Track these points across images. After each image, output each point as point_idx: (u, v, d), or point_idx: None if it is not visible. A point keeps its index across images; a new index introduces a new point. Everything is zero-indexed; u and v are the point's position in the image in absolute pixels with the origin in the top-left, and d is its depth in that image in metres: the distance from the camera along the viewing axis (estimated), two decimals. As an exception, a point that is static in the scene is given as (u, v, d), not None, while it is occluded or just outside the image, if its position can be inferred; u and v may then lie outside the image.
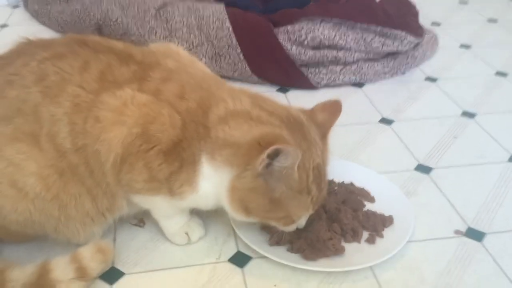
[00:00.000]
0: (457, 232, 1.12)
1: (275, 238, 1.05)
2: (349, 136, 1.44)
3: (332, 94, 1.64)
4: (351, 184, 1.21)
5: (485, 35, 2.09)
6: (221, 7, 1.75)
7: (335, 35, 1.66)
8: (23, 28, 2.07)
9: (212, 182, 0.94)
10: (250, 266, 1.04)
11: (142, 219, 1.14)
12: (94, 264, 0.98)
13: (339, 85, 1.70)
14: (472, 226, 1.14)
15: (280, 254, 1.03)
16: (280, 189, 0.91)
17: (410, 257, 1.06)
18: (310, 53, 1.66)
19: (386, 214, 1.12)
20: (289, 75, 1.68)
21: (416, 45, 1.82)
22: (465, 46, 1.99)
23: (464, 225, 1.14)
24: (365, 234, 1.09)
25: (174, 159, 0.93)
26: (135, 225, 1.14)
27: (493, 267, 1.04)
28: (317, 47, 1.68)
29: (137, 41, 1.75)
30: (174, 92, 0.95)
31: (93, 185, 0.97)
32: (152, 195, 0.98)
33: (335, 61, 1.69)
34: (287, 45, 1.66)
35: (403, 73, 1.78)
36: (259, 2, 2.00)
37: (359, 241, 1.07)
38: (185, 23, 1.73)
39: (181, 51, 1.14)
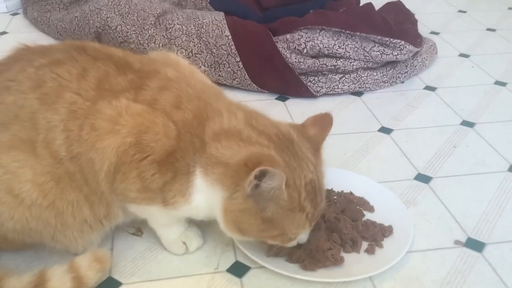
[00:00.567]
0: (457, 242, 1.12)
1: (274, 249, 1.04)
2: (348, 145, 1.43)
3: (331, 103, 1.65)
4: (350, 193, 1.21)
5: (484, 44, 2.09)
6: (220, 15, 1.75)
7: (334, 44, 1.66)
8: (23, 35, 2.08)
9: (204, 195, 0.94)
10: (248, 276, 1.03)
11: (139, 228, 1.14)
12: (91, 273, 0.97)
13: (338, 94, 1.70)
14: (472, 236, 1.13)
15: (279, 264, 1.02)
16: (271, 208, 0.90)
17: (409, 268, 1.05)
18: (310, 61, 1.66)
19: (386, 224, 1.12)
20: (288, 83, 1.68)
21: (415, 54, 1.82)
22: (464, 55, 1.99)
23: (464, 235, 1.14)
24: (365, 244, 1.08)
25: (168, 169, 0.92)
26: (133, 234, 1.13)
27: (493, 278, 1.03)
28: (317, 55, 1.68)
29: (137, 49, 1.75)
30: (170, 101, 0.94)
31: (90, 192, 0.97)
32: (147, 204, 0.97)
33: (334, 70, 1.69)
34: (286, 53, 1.66)
35: (402, 82, 1.79)
36: (258, 11, 2.01)
37: (358, 251, 1.07)
38: (184, 31, 1.73)
39: (181, 61, 1.14)
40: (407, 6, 2.11)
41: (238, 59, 1.66)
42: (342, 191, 1.21)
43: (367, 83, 1.72)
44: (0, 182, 0.92)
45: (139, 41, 1.76)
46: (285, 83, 1.68)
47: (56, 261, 1.01)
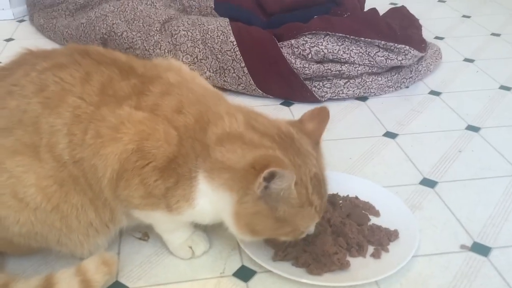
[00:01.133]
0: (463, 246, 1.12)
1: (280, 254, 1.04)
2: (354, 150, 1.44)
3: (336, 108, 1.66)
4: (356, 198, 1.21)
5: (488, 49, 2.09)
6: (225, 21, 1.76)
7: (339, 49, 1.67)
8: (29, 41, 2.09)
9: (210, 200, 0.94)
10: (254, 280, 1.04)
11: (146, 232, 1.14)
12: (98, 276, 0.97)
13: (343, 99, 1.71)
14: (478, 240, 1.13)
15: (285, 269, 1.02)
16: (282, 208, 0.91)
17: (415, 272, 1.05)
18: (314, 67, 1.66)
19: (391, 228, 1.12)
20: (293, 88, 1.68)
21: (420, 59, 1.82)
22: (469, 60, 1.99)
23: (470, 240, 1.13)
24: (370, 249, 1.08)
25: (170, 175, 0.93)
26: (139, 238, 1.14)
27: (499, 282, 1.03)
28: (321, 61, 1.68)
29: (142, 55, 1.76)
30: (172, 106, 0.95)
31: (94, 197, 0.97)
32: (151, 210, 0.98)
33: (339, 75, 1.69)
34: (291, 59, 1.67)
35: (407, 86, 1.79)
36: (263, 16, 2.02)
37: (364, 256, 1.07)
38: (189, 37, 1.74)
39: (183, 66, 1.15)
40: (412, 11, 2.11)
41: (243, 64, 1.67)
42: (347, 195, 1.21)
43: (371, 88, 1.72)
44: (5, 187, 0.93)
45: (145, 47, 1.77)
46: (290, 88, 1.68)
47: (63, 266, 1.01)
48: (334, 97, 1.69)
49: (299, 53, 1.67)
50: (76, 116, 0.93)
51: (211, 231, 1.12)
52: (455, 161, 1.40)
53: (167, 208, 0.96)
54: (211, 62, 1.71)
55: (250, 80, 1.67)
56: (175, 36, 1.75)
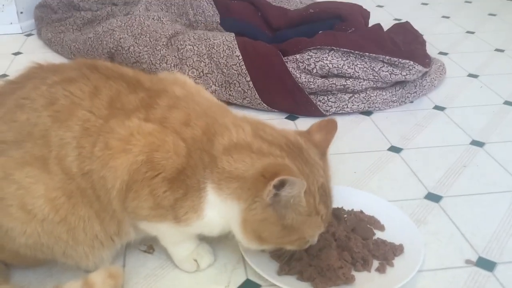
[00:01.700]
0: (468, 261, 1.11)
1: (285, 268, 1.04)
2: (358, 164, 1.44)
3: (341, 122, 1.64)
4: (361, 212, 1.21)
5: (492, 64, 2.10)
6: (231, 36, 1.78)
7: (343, 64, 1.68)
8: (36, 55, 2.11)
9: (218, 211, 0.95)
10: (259, 294, 1.04)
11: (151, 245, 1.14)
12: (105, 289, 0.98)
13: (348, 113, 1.71)
14: (483, 255, 1.13)
15: (290, 283, 1.02)
16: (290, 216, 0.92)
17: (420, 287, 1.05)
18: (319, 81, 1.68)
19: (396, 242, 1.12)
20: (298, 103, 1.69)
21: (424, 74, 1.83)
22: (473, 75, 2.00)
23: (475, 255, 1.13)
24: (375, 263, 1.08)
25: (179, 186, 0.94)
26: (144, 251, 1.14)
27: (505, 298, 1.03)
28: (326, 75, 1.70)
29: (149, 69, 1.77)
30: (180, 119, 0.96)
31: (101, 209, 0.98)
32: (158, 222, 0.98)
33: (344, 90, 1.70)
34: (296, 73, 1.68)
35: (411, 101, 1.80)
36: (268, 32, 2.04)
37: (369, 270, 1.07)
38: (195, 51, 1.75)
39: (188, 80, 1.16)
40: (416, 27, 2.13)
41: (248, 78, 1.68)
42: (352, 209, 1.21)
43: (376, 102, 1.73)
44: (13, 198, 0.93)
45: (151, 61, 1.78)
46: (295, 102, 1.69)
47: (68, 278, 1.02)
48: (338, 112, 1.70)
49: (304, 68, 1.68)
50: (85, 129, 0.94)
51: (216, 244, 1.12)
52: (459, 176, 1.40)
53: (175, 219, 0.96)
54: (217, 76, 1.72)
55: (255, 94, 1.68)
56: (181, 51, 1.77)
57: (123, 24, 1.91)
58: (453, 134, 1.61)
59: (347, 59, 1.69)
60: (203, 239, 1.11)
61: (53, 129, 0.95)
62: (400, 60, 1.71)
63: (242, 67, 1.68)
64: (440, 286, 1.05)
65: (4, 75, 1.94)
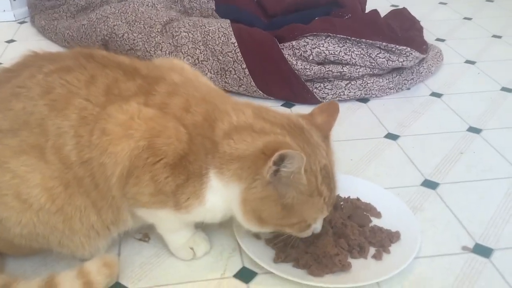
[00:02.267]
0: (465, 248, 1.11)
1: (281, 256, 1.04)
2: (355, 151, 1.43)
3: (338, 109, 1.65)
4: (357, 199, 1.21)
5: (490, 51, 2.09)
6: (226, 23, 1.76)
7: (340, 51, 1.67)
8: (30, 43, 2.10)
9: (220, 196, 0.95)
10: (255, 281, 1.03)
11: (146, 234, 1.14)
12: (100, 278, 0.97)
13: (344, 100, 1.70)
14: (480, 242, 1.13)
15: (286, 270, 1.02)
16: (290, 194, 0.91)
17: (417, 274, 1.05)
18: (315, 68, 1.66)
19: (393, 229, 1.12)
20: (294, 90, 1.68)
21: (421, 60, 1.82)
22: (470, 62, 1.99)
23: (472, 241, 1.13)
24: (372, 250, 1.08)
25: (181, 172, 0.93)
26: (140, 240, 1.13)
27: (501, 284, 1.03)
28: (322, 62, 1.68)
29: (143, 57, 1.76)
30: (179, 105, 0.96)
31: (98, 198, 0.97)
32: (158, 208, 0.98)
33: (340, 76, 1.69)
34: (292, 60, 1.67)
35: (408, 88, 1.79)
36: (264, 18, 2.02)
37: (365, 257, 1.07)
38: (190, 38, 1.74)
39: (185, 66, 1.15)
40: (413, 13, 2.11)
41: (244, 66, 1.67)
42: (349, 197, 1.21)
43: (373, 89, 1.72)
44: (8, 187, 0.93)
45: (146, 48, 1.77)
46: (291, 89, 1.68)
47: (63, 267, 1.02)
48: (335, 99, 1.69)
49: (300, 55, 1.67)
50: (83, 118, 0.93)
51: (212, 232, 1.12)
52: (456, 162, 1.40)
53: (175, 206, 0.96)
54: (212, 63, 1.71)
55: (251, 81, 1.67)
56: (176, 38, 1.75)
57: (117, 11, 1.89)
58: (450, 121, 1.60)
59: (344, 46, 1.68)
60: (199, 227, 1.10)
61: (49, 118, 0.94)
62: (397, 46, 1.70)
63: (238, 54, 1.67)
64: (436, 272, 1.05)
65: (-2, 63, 1.92)
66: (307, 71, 1.66)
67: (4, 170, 0.93)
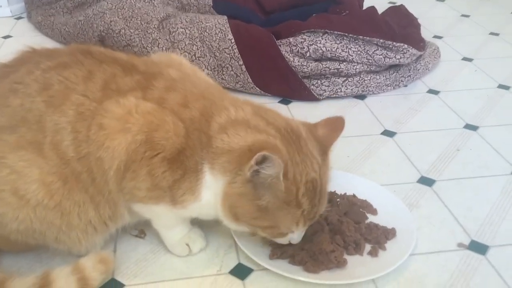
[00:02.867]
0: (460, 245, 1.11)
1: (277, 252, 1.04)
2: (351, 148, 1.43)
3: (334, 106, 1.65)
4: (353, 196, 1.21)
5: (487, 48, 2.09)
6: (223, 19, 1.75)
7: (337, 47, 1.66)
8: (27, 39, 2.09)
9: (213, 192, 0.94)
10: (251, 278, 1.03)
11: (142, 230, 1.14)
12: (95, 274, 0.97)
13: (341, 97, 1.70)
14: (475, 239, 1.13)
15: (281, 266, 1.02)
16: (267, 197, 0.90)
17: (412, 270, 1.05)
18: (312, 65, 1.66)
19: (389, 226, 1.12)
20: (291, 86, 1.68)
21: (418, 57, 1.82)
22: (467, 59, 1.99)
23: (467, 238, 1.13)
24: (368, 247, 1.08)
25: (178, 167, 0.93)
26: (136, 236, 1.13)
27: (496, 281, 1.03)
28: (319, 59, 1.68)
29: (140, 53, 1.75)
30: (177, 101, 0.95)
31: (96, 193, 0.97)
32: (154, 204, 0.97)
33: (337, 73, 1.69)
34: (289, 57, 1.66)
35: (405, 85, 1.79)
36: (261, 14, 2.01)
37: (361, 254, 1.07)
38: (187, 34, 1.73)
39: (183, 61, 1.15)
40: (410, 10, 2.11)
41: (241, 62, 1.66)
42: (345, 193, 1.21)
43: (370, 86, 1.72)
44: (5, 183, 0.92)
45: (143, 44, 1.76)
46: (288, 86, 1.68)
47: (58, 263, 1.02)
48: (332, 95, 1.69)
49: (298, 51, 1.67)
50: (80, 114, 0.93)
51: (208, 228, 1.12)
52: (453, 159, 1.40)
53: (171, 201, 0.96)
54: (209, 60, 1.71)
55: (248, 78, 1.67)
56: (173, 34, 1.75)
57: (113, 7, 1.88)
58: (447, 118, 1.60)
59: (341, 42, 1.68)
60: (195, 223, 1.10)
61: (47, 114, 0.94)
62: (395, 43, 1.69)
63: (235, 50, 1.67)
64: (432, 269, 1.05)
65: (-6, 59, 1.92)
66: (304, 68, 1.66)
67: (1, 165, 0.92)
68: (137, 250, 1.10)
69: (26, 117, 0.95)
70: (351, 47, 1.68)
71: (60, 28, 2.03)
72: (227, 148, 0.91)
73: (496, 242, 1.12)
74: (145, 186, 0.94)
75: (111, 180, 0.94)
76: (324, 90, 1.68)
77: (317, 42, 1.66)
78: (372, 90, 1.72)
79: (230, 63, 1.68)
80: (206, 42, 1.71)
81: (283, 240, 1.00)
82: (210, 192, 0.94)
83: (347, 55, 1.67)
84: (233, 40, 1.67)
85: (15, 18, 2.34)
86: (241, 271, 1.05)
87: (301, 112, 1.62)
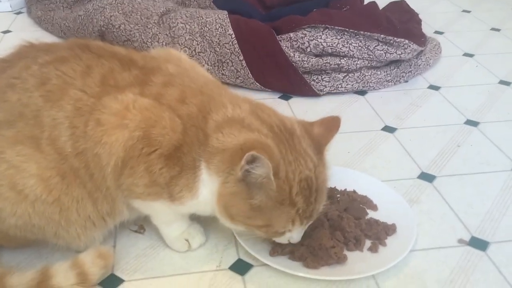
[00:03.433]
0: (461, 241, 1.11)
1: (278, 250, 1.03)
2: (352, 144, 1.43)
3: (335, 102, 1.65)
4: (354, 191, 1.20)
5: (488, 43, 2.08)
6: (224, 14, 1.75)
7: (338, 43, 1.66)
8: (26, 34, 2.07)
9: (210, 189, 0.94)
10: (251, 274, 1.03)
11: (142, 225, 1.14)
12: (95, 269, 0.97)
13: (342, 93, 1.70)
14: (476, 235, 1.13)
15: (281, 262, 1.02)
16: (259, 197, 0.89)
17: (413, 266, 1.05)
18: (313, 60, 1.66)
19: (389, 222, 1.11)
20: (291, 82, 1.67)
21: (419, 53, 1.82)
22: (469, 55, 1.98)
23: (468, 234, 1.13)
24: (368, 243, 1.08)
25: (175, 164, 0.92)
26: (135, 231, 1.13)
27: (497, 277, 1.03)
28: (320, 54, 1.67)
29: (140, 48, 1.75)
30: (175, 96, 0.95)
31: (94, 189, 0.97)
32: (153, 200, 0.97)
33: (338, 69, 1.68)
34: (289, 52, 1.66)
35: (406, 81, 1.78)
36: (262, 9, 2.01)
37: (361, 250, 1.06)
38: (187, 29, 1.73)
39: (183, 56, 1.14)
40: (411, 5, 2.10)
41: (241, 57, 1.66)
42: (345, 189, 1.21)
43: (370, 82, 1.71)
44: (3, 177, 0.92)
45: (143, 39, 1.76)
46: (289, 81, 1.67)
47: (58, 258, 1.01)
48: (332, 91, 1.69)
49: (298, 47, 1.66)
50: (77, 109, 0.93)
51: (208, 224, 1.12)
52: (453, 155, 1.39)
53: (169, 198, 0.96)
54: (209, 55, 1.70)
55: (248, 73, 1.66)
56: (173, 29, 1.74)
57: (113, 2, 1.87)
58: (447, 113, 1.60)
59: (342, 38, 1.67)
60: (194, 219, 1.10)
61: (45, 109, 0.94)
62: (395, 38, 1.69)
63: (235, 45, 1.66)
64: (432, 265, 1.05)
65: (-7, 54, 1.91)
66: (305, 63, 1.65)
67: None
68: (137, 246, 1.09)
69: (24, 112, 0.94)
70: (352, 43, 1.67)
71: (60, 23, 2.02)
72: (222, 147, 0.91)
73: (496, 238, 1.12)
74: (142, 183, 0.94)
75: (108, 176, 0.94)
76: (325, 86, 1.68)
77: (317, 38, 1.65)
78: (373, 86, 1.72)
79: (231, 58, 1.67)
80: (207, 37, 1.70)
81: (282, 239, 0.99)
82: (207, 190, 0.94)
83: (347, 51, 1.66)
84: (233, 35, 1.67)
85: (15, 13, 2.33)
86: (240, 267, 1.04)
87: (302, 108, 1.61)
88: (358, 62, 1.68)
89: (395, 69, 1.75)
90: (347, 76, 1.69)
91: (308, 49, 1.65)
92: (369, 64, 1.71)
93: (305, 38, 1.66)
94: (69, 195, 0.95)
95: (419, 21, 2.01)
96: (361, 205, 1.17)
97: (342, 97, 1.68)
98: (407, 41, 1.70)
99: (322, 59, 1.66)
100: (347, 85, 1.69)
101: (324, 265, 1.01)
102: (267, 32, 1.69)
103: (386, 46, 1.69)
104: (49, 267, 0.96)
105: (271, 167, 0.85)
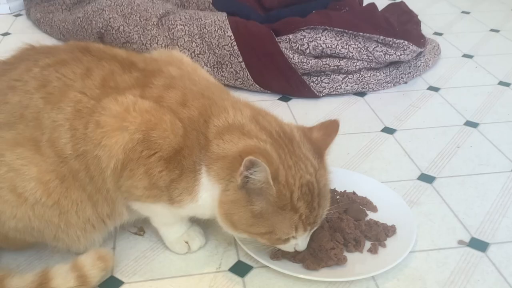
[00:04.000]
0: (461, 242, 1.11)
1: (278, 252, 1.03)
2: (351, 145, 1.43)
3: (334, 103, 1.65)
4: (353, 193, 1.20)
5: (487, 45, 2.09)
6: (223, 16, 1.75)
7: (337, 44, 1.66)
8: (25, 36, 2.08)
9: (210, 194, 0.94)
10: (251, 275, 1.03)
11: (142, 227, 1.13)
12: (94, 272, 0.97)
13: (341, 94, 1.70)
14: (476, 236, 1.13)
15: (281, 264, 1.02)
16: (260, 203, 0.89)
17: (412, 268, 1.04)
18: (312, 62, 1.66)
19: (389, 223, 1.11)
20: (291, 84, 1.67)
21: (419, 54, 1.82)
22: (468, 56, 1.98)
23: (468, 235, 1.13)
24: (368, 244, 1.08)
25: (175, 167, 0.92)
26: (135, 233, 1.13)
27: (496, 278, 1.03)
28: (319, 56, 1.68)
29: (139, 49, 1.75)
30: (176, 99, 0.95)
31: (94, 191, 0.96)
32: (152, 202, 0.97)
33: (337, 70, 1.68)
34: (289, 53, 1.66)
35: (406, 82, 1.78)
36: (261, 11, 2.01)
37: (361, 251, 1.06)
38: (187, 31, 1.73)
39: (184, 58, 1.14)
40: (411, 7, 2.10)
41: (240, 59, 1.66)
42: (345, 190, 1.21)
43: (370, 83, 1.71)
44: (3, 180, 0.92)
45: (142, 41, 1.76)
46: (288, 83, 1.67)
47: (58, 261, 1.02)
48: (332, 92, 1.69)
49: (297, 48, 1.66)
50: (77, 111, 0.93)
51: (208, 226, 1.12)
52: (453, 156, 1.39)
53: (169, 200, 0.95)
54: (209, 57, 1.70)
55: (247, 75, 1.66)
56: (172, 31, 1.74)
57: (112, 4, 1.87)
58: (447, 115, 1.60)
59: (341, 39, 1.67)
60: (194, 221, 1.10)
61: (45, 111, 0.94)
62: (395, 40, 1.69)
63: (234, 47, 1.66)
64: (432, 266, 1.05)
65: (-7, 56, 1.91)
66: (304, 65, 1.65)
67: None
68: (136, 248, 1.09)
69: (24, 114, 0.94)
70: (351, 44, 1.67)
71: (59, 25, 2.02)
72: (222, 154, 0.91)
73: (496, 239, 1.12)
74: (142, 185, 0.94)
75: (108, 178, 0.94)
76: (324, 87, 1.68)
77: (317, 39, 1.65)
78: (372, 87, 1.72)
79: (230, 60, 1.67)
80: (206, 39, 1.70)
81: (287, 247, 0.98)
82: (207, 194, 0.94)
83: (347, 52, 1.66)
84: (232, 37, 1.67)
85: (14, 15, 2.33)
86: (240, 269, 1.04)
87: (301, 109, 1.61)
88: (358, 64, 1.69)
89: (395, 71, 1.75)
90: (347, 78, 1.69)
91: (308, 51, 1.65)
92: (368, 66, 1.71)
93: (304, 39, 1.66)
94: (69, 198, 0.95)
95: (418, 22, 2.01)
96: (360, 207, 1.17)
97: (341, 98, 1.68)
98: (406, 42, 1.70)
99: (322, 61, 1.66)
100: (346, 86, 1.69)
101: (324, 266, 1.01)
102: (266, 34, 1.69)
103: (386, 48, 1.69)
104: (49, 269, 0.96)
105: (269, 171, 0.85)
